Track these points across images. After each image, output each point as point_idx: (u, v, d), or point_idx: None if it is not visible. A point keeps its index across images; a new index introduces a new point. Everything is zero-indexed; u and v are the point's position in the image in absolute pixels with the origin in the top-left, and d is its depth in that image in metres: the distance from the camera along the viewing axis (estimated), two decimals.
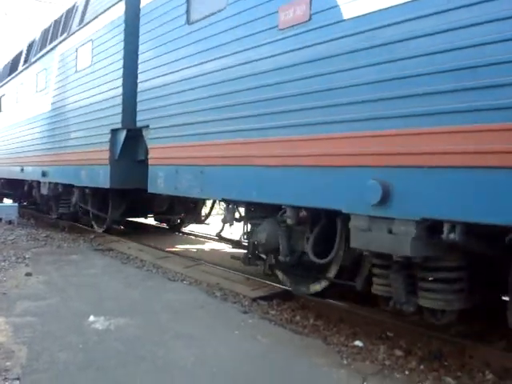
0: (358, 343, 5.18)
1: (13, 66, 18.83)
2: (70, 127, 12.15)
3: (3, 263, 8.69)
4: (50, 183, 13.75)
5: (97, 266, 8.78)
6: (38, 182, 14.88)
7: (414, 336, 5.25)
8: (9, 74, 19.24)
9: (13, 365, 4.36)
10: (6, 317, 5.69)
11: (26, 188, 16.94)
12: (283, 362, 4.65)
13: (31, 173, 15.32)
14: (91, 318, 5.67)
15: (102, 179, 10.28)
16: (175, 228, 14.17)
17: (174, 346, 4.94)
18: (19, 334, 5.14)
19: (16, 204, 16.47)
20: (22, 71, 17.15)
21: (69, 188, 12.80)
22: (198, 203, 12.86)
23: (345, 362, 4.69)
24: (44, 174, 13.91)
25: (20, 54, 18.34)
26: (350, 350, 5.02)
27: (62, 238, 12.04)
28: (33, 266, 8.57)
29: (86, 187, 11.82)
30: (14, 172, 17.23)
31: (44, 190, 14.22)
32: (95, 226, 12.95)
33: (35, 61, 15.58)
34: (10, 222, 14.79)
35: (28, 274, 7.79)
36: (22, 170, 16.11)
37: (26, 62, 16.88)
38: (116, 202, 11.79)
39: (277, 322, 5.84)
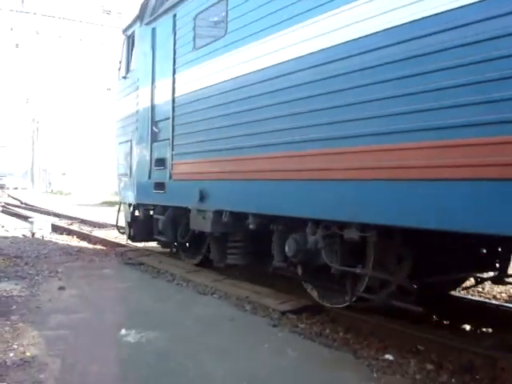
0: (388, 357, 5.14)
1: None
2: None
3: (37, 277, 8.83)
4: None
5: (128, 279, 8.87)
6: None
7: (444, 349, 5.20)
8: None
9: (46, 377, 4.44)
10: (40, 330, 5.79)
11: None
12: (313, 375, 4.64)
13: None
14: (123, 331, 5.74)
15: None
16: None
17: (205, 358, 4.98)
18: (52, 346, 5.22)
19: (48, 218, 16.69)
20: None
21: None
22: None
23: (375, 375, 4.66)
24: None
25: None
26: (381, 363, 4.98)
27: (93, 253, 12.17)
28: (65, 280, 8.69)
29: None
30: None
31: None
32: None
33: None
34: (42, 237, 15.03)
35: (61, 288, 7.90)
36: None
37: None
38: None
39: (306, 335, 5.83)
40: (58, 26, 35.90)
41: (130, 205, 11.46)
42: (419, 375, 4.70)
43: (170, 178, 9.02)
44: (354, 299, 6.21)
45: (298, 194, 6.10)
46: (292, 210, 6.27)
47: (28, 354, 4.98)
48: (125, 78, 11.42)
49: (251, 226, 7.21)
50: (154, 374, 4.55)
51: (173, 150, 8.94)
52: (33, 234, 15.21)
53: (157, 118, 9.62)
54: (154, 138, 9.68)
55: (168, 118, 9.09)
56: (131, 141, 10.82)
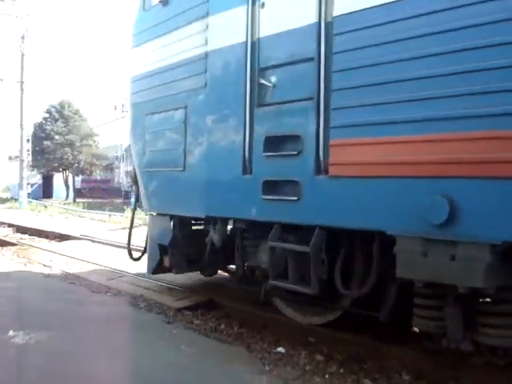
0: (280, 349, 5.29)
1: None
2: None
3: None
4: None
5: (17, 278, 8.53)
6: None
7: (334, 341, 5.40)
8: None
9: None
10: None
11: None
12: (206, 371, 4.68)
13: None
14: (11, 332, 5.51)
15: None
16: None
17: (97, 358, 4.88)
18: None
19: None
20: None
21: None
22: None
23: (267, 368, 4.78)
24: None
25: None
26: (273, 356, 5.11)
27: None
28: None
29: None
30: None
31: None
32: None
33: None
34: None
35: None
36: None
37: None
38: None
39: (201, 331, 5.87)
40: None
41: (170, 217, 7.08)
42: (309, 366, 4.87)
43: (320, 172, 4.81)
44: None
45: None
46: None
47: None
48: (164, 2, 6.85)
49: None
50: (42, 377, 4.41)
51: (330, 118, 4.71)
52: None
53: (269, 63, 5.42)
54: (261, 98, 5.47)
55: (309, 60, 4.95)
56: (186, 108, 6.43)
